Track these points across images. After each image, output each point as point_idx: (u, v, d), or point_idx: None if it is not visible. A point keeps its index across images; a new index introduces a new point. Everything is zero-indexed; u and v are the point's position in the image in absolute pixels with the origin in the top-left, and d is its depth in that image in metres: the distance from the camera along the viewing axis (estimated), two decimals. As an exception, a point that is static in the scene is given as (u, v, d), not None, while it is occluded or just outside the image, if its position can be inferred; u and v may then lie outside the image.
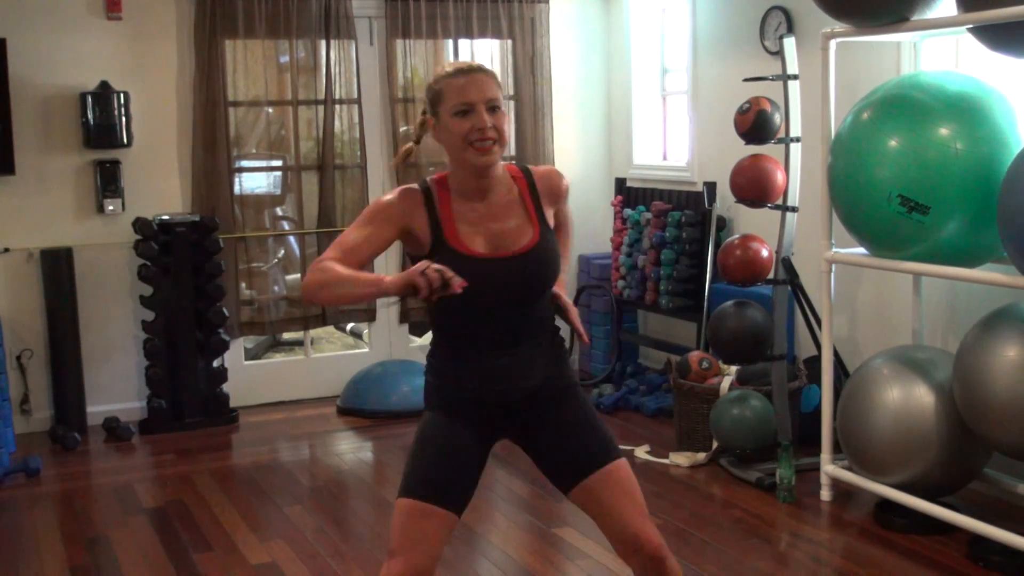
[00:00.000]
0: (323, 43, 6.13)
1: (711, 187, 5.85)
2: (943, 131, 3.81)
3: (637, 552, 2.55)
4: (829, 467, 4.44)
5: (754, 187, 4.67)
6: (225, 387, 5.98)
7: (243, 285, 6.25)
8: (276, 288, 6.54)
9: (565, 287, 2.78)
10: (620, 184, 6.72)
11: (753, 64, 5.47)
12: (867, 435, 4.14)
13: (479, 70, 2.52)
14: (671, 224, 5.97)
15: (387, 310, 6.46)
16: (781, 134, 4.64)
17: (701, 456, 5.01)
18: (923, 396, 4.00)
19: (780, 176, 4.65)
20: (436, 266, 2.24)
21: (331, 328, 7.27)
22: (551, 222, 2.65)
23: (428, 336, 7.12)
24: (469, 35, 6.46)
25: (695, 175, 6.16)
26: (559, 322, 2.71)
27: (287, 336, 7.50)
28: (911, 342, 4.49)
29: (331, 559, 4.05)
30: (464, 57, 6.55)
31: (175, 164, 6.01)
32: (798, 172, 4.67)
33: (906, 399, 4.02)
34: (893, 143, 3.89)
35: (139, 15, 5.86)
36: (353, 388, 6.16)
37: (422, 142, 2.70)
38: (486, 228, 2.54)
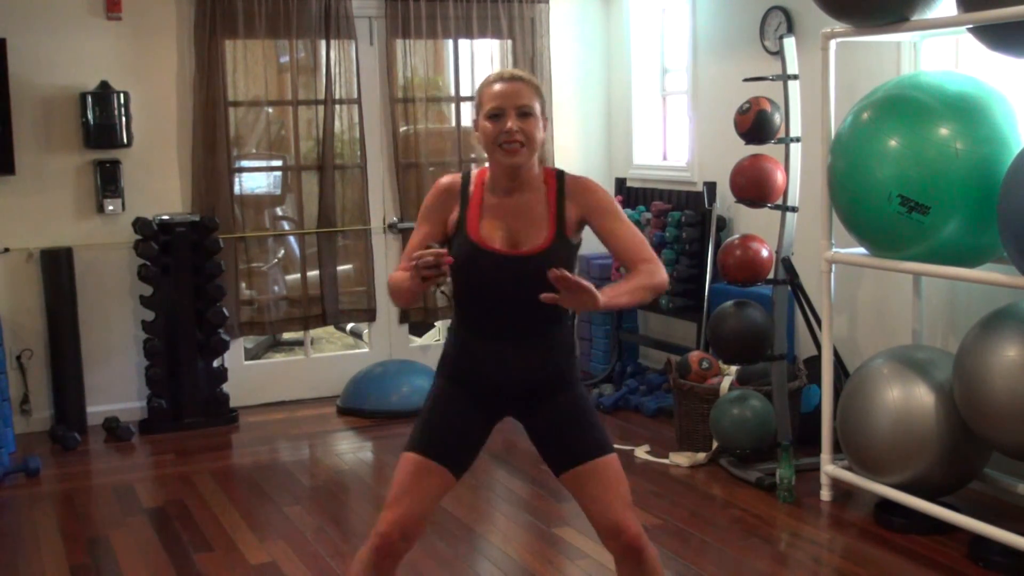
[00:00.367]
0: (323, 43, 6.12)
1: (711, 187, 5.85)
2: (943, 131, 3.81)
3: (616, 538, 2.68)
4: (829, 467, 4.44)
5: (754, 187, 4.67)
6: (225, 387, 5.98)
7: (243, 285, 6.24)
8: (276, 288, 6.53)
9: (608, 297, 2.55)
10: (620, 184, 6.72)
11: (753, 64, 5.47)
12: (867, 435, 4.13)
13: (516, 79, 2.70)
14: (671, 224, 5.97)
15: (387, 310, 6.47)
16: (781, 134, 4.65)
17: (701, 456, 5.01)
18: (923, 396, 4.00)
19: (780, 176, 4.66)
20: (428, 252, 2.45)
21: (331, 328, 7.26)
22: (572, 228, 2.77)
23: (428, 336, 7.17)
24: (469, 35, 6.46)
25: (695, 175, 6.16)
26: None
27: (287, 336, 7.50)
28: (911, 342, 4.48)
29: (331, 559, 4.05)
30: (464, 57, 6.57)
31: (175, 164, 6.00)
32: (798, 172, 4.67)
33: (906, 399, 4.02)
34: (893, 143, 3.89)
35: (139, 15, 5.86)
36: (353, 388, 6.15)
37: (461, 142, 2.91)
38: (507, 225, 2.70)
